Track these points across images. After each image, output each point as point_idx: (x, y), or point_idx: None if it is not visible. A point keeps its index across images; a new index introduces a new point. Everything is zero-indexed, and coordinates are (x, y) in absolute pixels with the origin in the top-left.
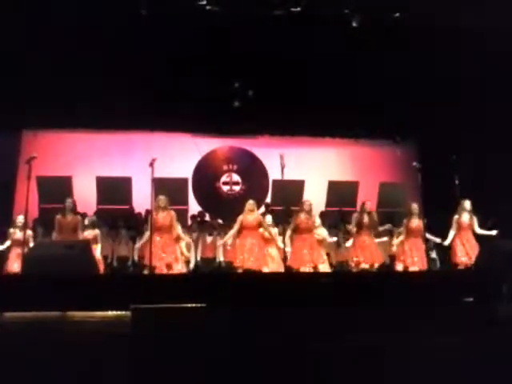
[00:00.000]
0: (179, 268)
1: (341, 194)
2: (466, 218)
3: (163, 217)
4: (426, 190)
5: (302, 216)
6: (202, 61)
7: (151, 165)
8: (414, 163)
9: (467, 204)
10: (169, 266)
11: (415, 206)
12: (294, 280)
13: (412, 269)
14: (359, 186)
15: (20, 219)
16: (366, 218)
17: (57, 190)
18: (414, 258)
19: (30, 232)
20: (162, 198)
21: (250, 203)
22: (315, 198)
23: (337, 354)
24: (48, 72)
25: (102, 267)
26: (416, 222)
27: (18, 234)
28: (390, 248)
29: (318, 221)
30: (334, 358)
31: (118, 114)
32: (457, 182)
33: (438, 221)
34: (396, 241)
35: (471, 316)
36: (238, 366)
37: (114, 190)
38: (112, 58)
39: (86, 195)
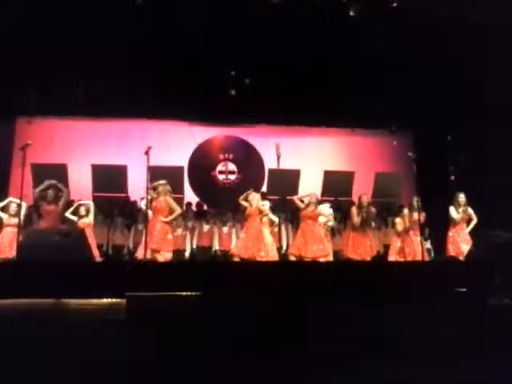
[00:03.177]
0: (169, 256)
1: (336, 184)
2: (460, 211)
3: (161, 201)
4: (421, 179)
5: (310, 208)
6: (198, 49)
7: (147, 153)
8: (409, 153)
9: (461, 197)
10: (157, 252)
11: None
12: (289, 269)
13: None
14: (355, 176)
15: (13, 207)
16: (363, 213)
17: (51, 178)
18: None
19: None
20: (165, 186)
21: (254, 198)
22: (311, 187)
23: (335, 344)
24: (43, 59)
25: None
26: (415, 216)
27: (12, 220)
28: (385, 238)
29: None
30: (333, 348)
31: (114, 102)
32: (452, 168)
33: (433, 210)
34: (398, 220)
35: (464, 306)
36: (234, 355)
37: (109, 177)
38: (108, 47)
39: (81, 183)
